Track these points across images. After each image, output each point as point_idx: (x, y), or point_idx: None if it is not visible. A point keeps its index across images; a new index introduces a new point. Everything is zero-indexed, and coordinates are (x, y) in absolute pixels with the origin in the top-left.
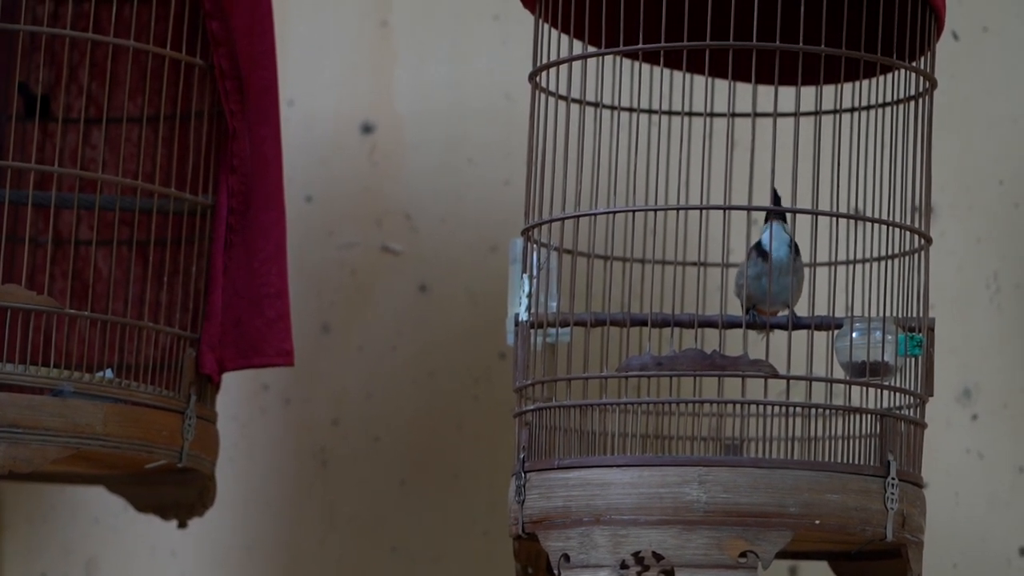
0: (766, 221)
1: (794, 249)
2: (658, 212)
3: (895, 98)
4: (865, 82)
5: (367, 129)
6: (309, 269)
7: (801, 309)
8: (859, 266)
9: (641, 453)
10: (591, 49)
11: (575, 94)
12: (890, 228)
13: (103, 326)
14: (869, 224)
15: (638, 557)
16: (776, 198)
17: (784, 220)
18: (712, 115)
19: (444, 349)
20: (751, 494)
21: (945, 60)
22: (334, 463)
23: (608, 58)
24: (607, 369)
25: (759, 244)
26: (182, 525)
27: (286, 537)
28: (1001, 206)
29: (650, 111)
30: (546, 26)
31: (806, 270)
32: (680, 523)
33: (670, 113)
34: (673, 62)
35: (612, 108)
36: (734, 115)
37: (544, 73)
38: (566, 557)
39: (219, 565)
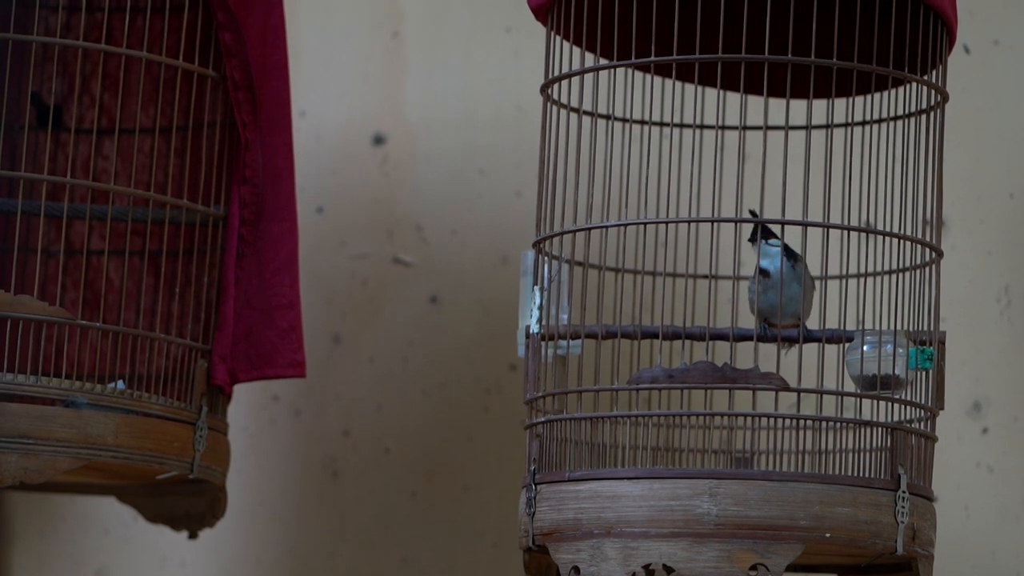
0: (751, 240)
1: (796, 260)
2: (669, 225)
3: (906, 111)
4: (877, 95)
5: (378, 140)
6: (320, 280)
7: (812, 322)
8: (870, 279)
9: (652, 466)
10: (603, 61)
11: (587, 106)
12: (901, 241)
13: (115, 337)
14: (880, 237)
15: (649, 570)
16: (753, 216)
17: (771, 236)
18: (724, 128)
19: (455, 360)
20: (762, 507)
21: (956, 73)
22: (344, 474)
23: (620, 70)
24: (618, 381)
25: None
26: (193, 536)
27: (296, 548)
28: (1012, 219)
29: (661, 124)
30: (558, 38)
31: (817, 283)
32: (691, 536)
33: (681, 126)
34: (685, 75)
35: (623, 120)
36: (745, 128)
37: (556, 85)
38: (576, 570)
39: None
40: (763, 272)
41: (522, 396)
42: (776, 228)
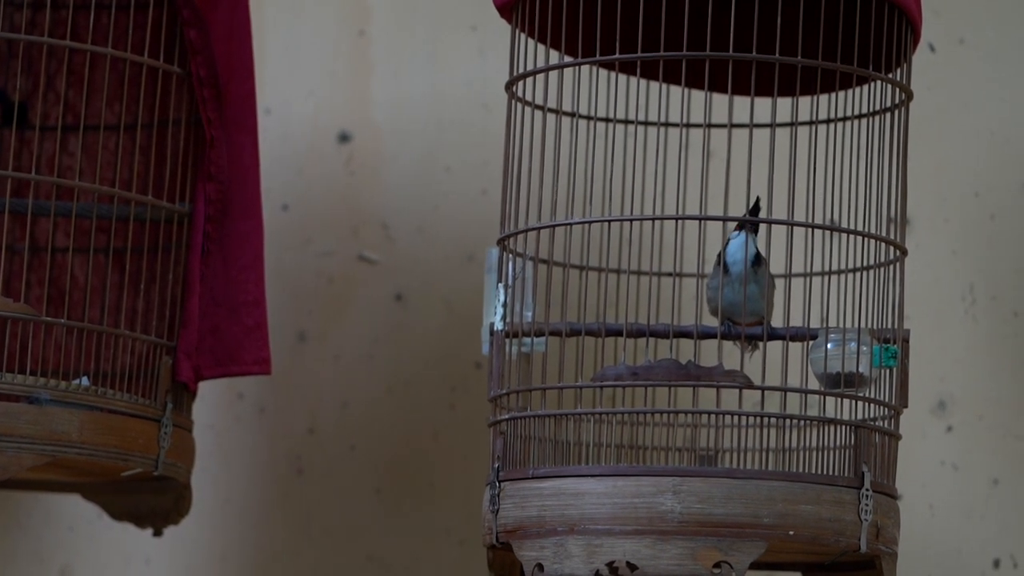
0: (738, 229)
1: (756, 259)
2: (634, 222)
3: (871, 109)
4: (841, 93)
5: (344, 138)
6: (285, 278)
7: (776, 320)
8: (834, 277)
9: (616, 463)
10: (568, 59)
11: (552, 104)
12: (866, 239)
13: (79, 333)
14: (845, 235)
15: (612, 567)
16: (757, 208)
17: (753, 231)
18: (688, 126)
19: (420, 358)
20: (725, 504)
21: (921, 72)
22: (309, 472)
23: (585, 68)
24: (582, 379)
25: (723, 249)
26: (157, 533)
27: (261, 545)
28: (977, 218)
29: (626, 121)
30: (523, 36)
31: (780, 282)
32: (654, 533)
33: (646, 123)
34: (650, 73)
35: (588, 118)
36: (710, 126)
37: (521, 83)
38: (540, 567)
39: (193, 573)
40: (725, 269)
41: (487, 393)
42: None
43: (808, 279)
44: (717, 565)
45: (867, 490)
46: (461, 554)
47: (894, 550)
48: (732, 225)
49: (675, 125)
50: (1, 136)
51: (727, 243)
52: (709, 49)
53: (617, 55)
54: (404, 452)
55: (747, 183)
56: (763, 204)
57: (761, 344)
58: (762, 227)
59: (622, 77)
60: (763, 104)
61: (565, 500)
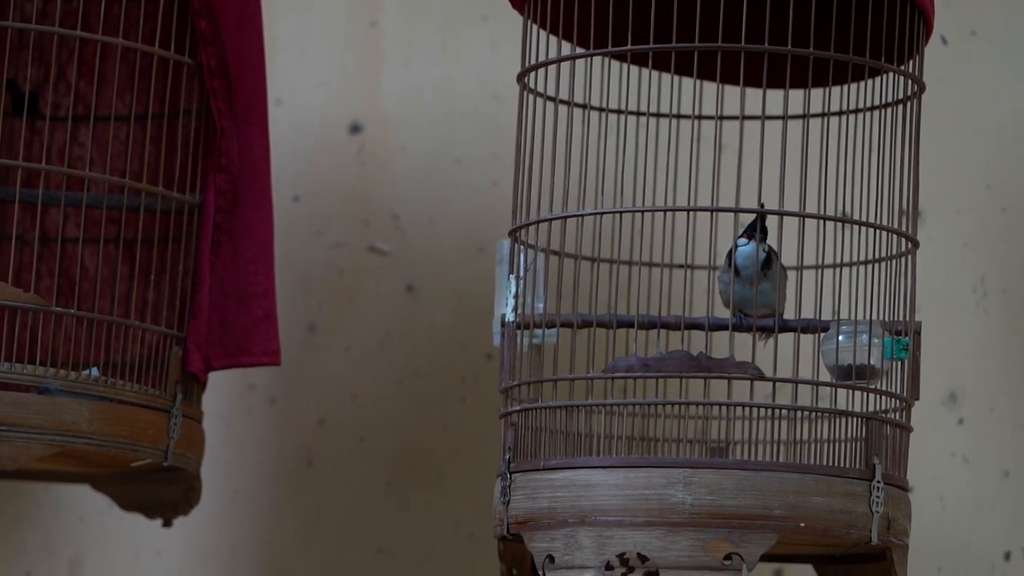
0: (745, 236)
1: (767, 262)
2: (645, 214)
3: (883, 102)
4: (853, 85)
5: (355, 129)
6: (296, 269)
7: (788, 312)
8: (846, 269)
9: (627, 454)
10: (579, 50)
11: (563, 95)
12: (877, 231)
13: (89, 324)
14: (856, 227)
15: (623, 558)
16: (764, 228)
17: (764, 238)
18: (700, 117)
19: (431, 350)
20: (736, 496)
21: (933, 64)
22: (320, 463)
23: (596, 59)
24: (593, 370)
25: (733, 251)
26: (167, 524)
27: (271, 537)
28: (988, 210)
29: (638, 113)
30: (535, 27)
31: (792, 274)
32: (665, 525)
33: (658, 115)
34: (661, 64)
35: (600, 110)
36: (722, 118)
37: (532, 74)
38: (551, 558)
39: (203, 564)
40: (736, 270)
41: (497, 385)
42: (750, 218)
43: (820, 271)
44: (728, 557)
45: (878, 482)
46: (471, 546)
47: (905, 542)
48: (743, 218)
49: (687, 117)
50: (12, 126)
51: (736, 249)
52: (721, 40)
53: (629, 46)
54: (414, 444)
55: (759, 175)
56: (772, 200)
57: (773, 334)
58: (774, 219)
59: (634, 68)
60: (775, 96)
61: (576, 491)
